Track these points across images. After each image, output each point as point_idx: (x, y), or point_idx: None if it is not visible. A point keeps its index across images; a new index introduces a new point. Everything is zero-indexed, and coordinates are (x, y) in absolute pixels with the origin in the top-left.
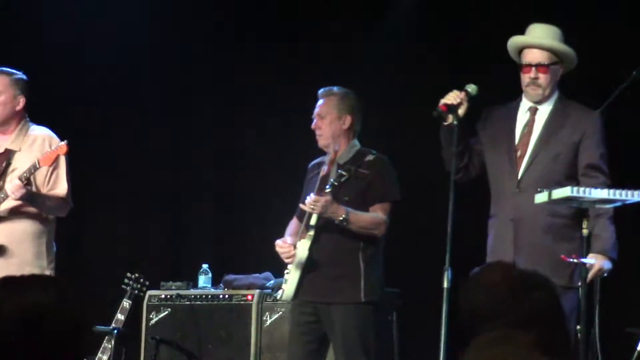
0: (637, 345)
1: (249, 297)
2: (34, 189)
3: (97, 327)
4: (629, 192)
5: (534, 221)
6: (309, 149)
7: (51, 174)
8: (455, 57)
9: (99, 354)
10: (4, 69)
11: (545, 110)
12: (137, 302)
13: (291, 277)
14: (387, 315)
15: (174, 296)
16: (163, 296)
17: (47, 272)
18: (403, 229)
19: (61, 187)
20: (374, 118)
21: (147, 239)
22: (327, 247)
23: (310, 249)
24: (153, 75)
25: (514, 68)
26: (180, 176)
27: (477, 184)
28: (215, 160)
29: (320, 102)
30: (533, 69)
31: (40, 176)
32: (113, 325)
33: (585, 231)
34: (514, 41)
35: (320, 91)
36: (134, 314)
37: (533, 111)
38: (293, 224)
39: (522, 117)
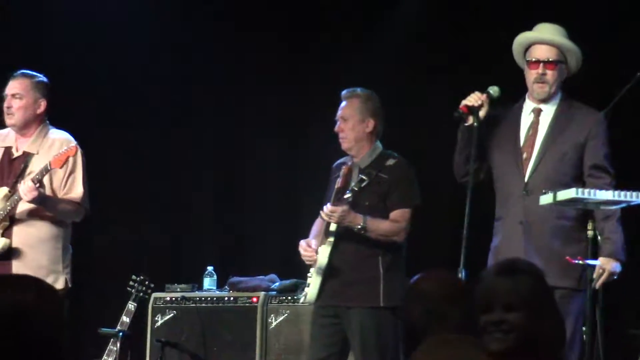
0: None
1: (254, 300)
2: (49, 191)
3: (103, 329)
4: (634, 194)
5: (542, 224)
6: (316, 150)
7: (68, 177)
8: (458, 59)
9: (105, 357)
10: (25, 71)
11: (549, 111)
12: (142, 304)
13: (313, 282)
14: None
15: (179, 298)
16: (168, 298)
17: (63, 277)
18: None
19: (76, 191)
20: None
21: (152, 241)
22: (346, 253)
23: (331, 255)
24: (153, 75)
25: (516, 70)
26: (185, 178)
27: (483, 187)
28: (220, 161)
29: (343, 104)
30: (541, 65)
31: (57, 180)
32: (118, 327)
33: (590, 233)
34: (523, 37)
35: (344, 92)
36: (139, 317)
37: (537, 112)
38: (318, 223)
39: (526, 118)
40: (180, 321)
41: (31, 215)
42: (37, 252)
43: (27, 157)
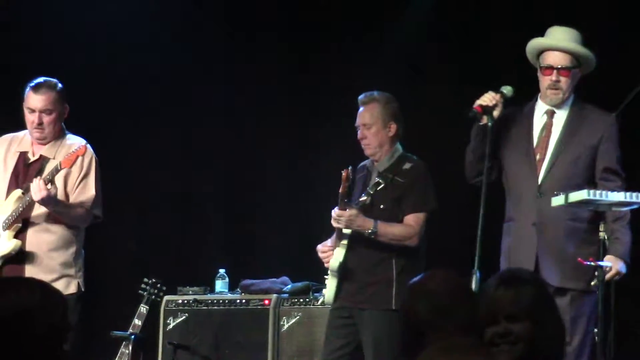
0: None
1: (266, 302)
2: (62, 193)
3: (115, 332)
4: None
5: (556, 226)
6: (327, 152)
7: (81, 180)
8: (467, 63)
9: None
10: (45, 81)
11: (562, 113)
12: (154, 307)
13: (329, 284)
14: None
15: (191, 301)
16: (180, 301)
17: (75, 281)
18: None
19: (88, 194)
20: None
21: (164, 243)
22: (360, 255)
23: (345, 257)
24: (154, 76)
25: (526, 72)
26: (197, 181)
27: (495, 187)
28: (231, 164)
29: (361, 109)
30: (554, 71)
31: (70, 182)
32: (130, 330)
33: (602, 234)
34: (536, 43)
35: (361, 97)
36: (151, 319)
37: (550, 114)
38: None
39: (539, 120)
40: (192, 324)
41: (45, 219)
42: (50, 256)
43: (43, 161)
